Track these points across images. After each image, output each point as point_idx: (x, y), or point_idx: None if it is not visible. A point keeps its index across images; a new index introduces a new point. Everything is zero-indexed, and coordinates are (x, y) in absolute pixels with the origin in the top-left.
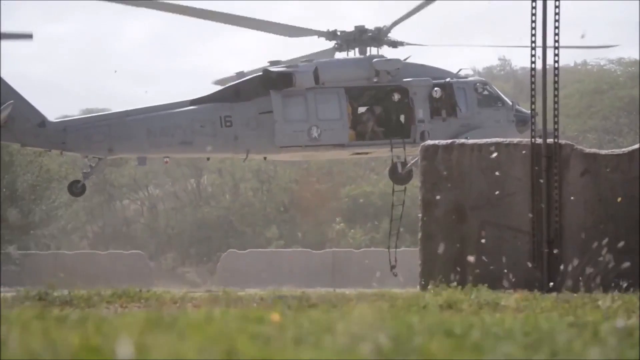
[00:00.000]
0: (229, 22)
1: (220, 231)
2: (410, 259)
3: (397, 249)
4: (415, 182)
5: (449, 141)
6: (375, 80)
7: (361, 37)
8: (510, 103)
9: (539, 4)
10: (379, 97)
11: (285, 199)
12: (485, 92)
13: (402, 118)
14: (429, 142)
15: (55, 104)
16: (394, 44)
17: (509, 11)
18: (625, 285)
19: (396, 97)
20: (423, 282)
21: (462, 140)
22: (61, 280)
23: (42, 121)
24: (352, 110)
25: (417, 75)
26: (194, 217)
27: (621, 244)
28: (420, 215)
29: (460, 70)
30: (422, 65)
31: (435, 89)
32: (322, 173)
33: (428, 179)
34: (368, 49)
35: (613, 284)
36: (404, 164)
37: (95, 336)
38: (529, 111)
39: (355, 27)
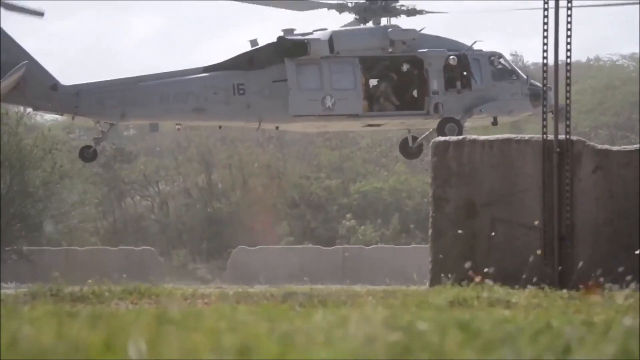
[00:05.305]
0: None
1: (231, 227)
2: (420, 255)
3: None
4: (426, 178)
5: (460, 137)
6: (390, 50)
7: (371, 7)
8: (525, 77)
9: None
10: (394, 68)
11: (296, 195)
12: (500, 65)
13: (416, 89)
14: (440, 138)
15: None
16: (412, 13)
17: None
18: (636, 281)
19: (411, 67)
20: (433, 279)
21: (474, 137)
22: (72, 276)
23: (55, 84)
24: (366, 80)
25: (433, 46)
26: (204, 213)
27: (633, 240)
28: (431, 211)
29: (474, 42)
30: (437, 37)
31: (451, 58)
32: (332, 169)
33: (439, 176)
34: (384, 19)
35: (624, 281)
36: (415, 138)
37: (107, 333)
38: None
39: None
